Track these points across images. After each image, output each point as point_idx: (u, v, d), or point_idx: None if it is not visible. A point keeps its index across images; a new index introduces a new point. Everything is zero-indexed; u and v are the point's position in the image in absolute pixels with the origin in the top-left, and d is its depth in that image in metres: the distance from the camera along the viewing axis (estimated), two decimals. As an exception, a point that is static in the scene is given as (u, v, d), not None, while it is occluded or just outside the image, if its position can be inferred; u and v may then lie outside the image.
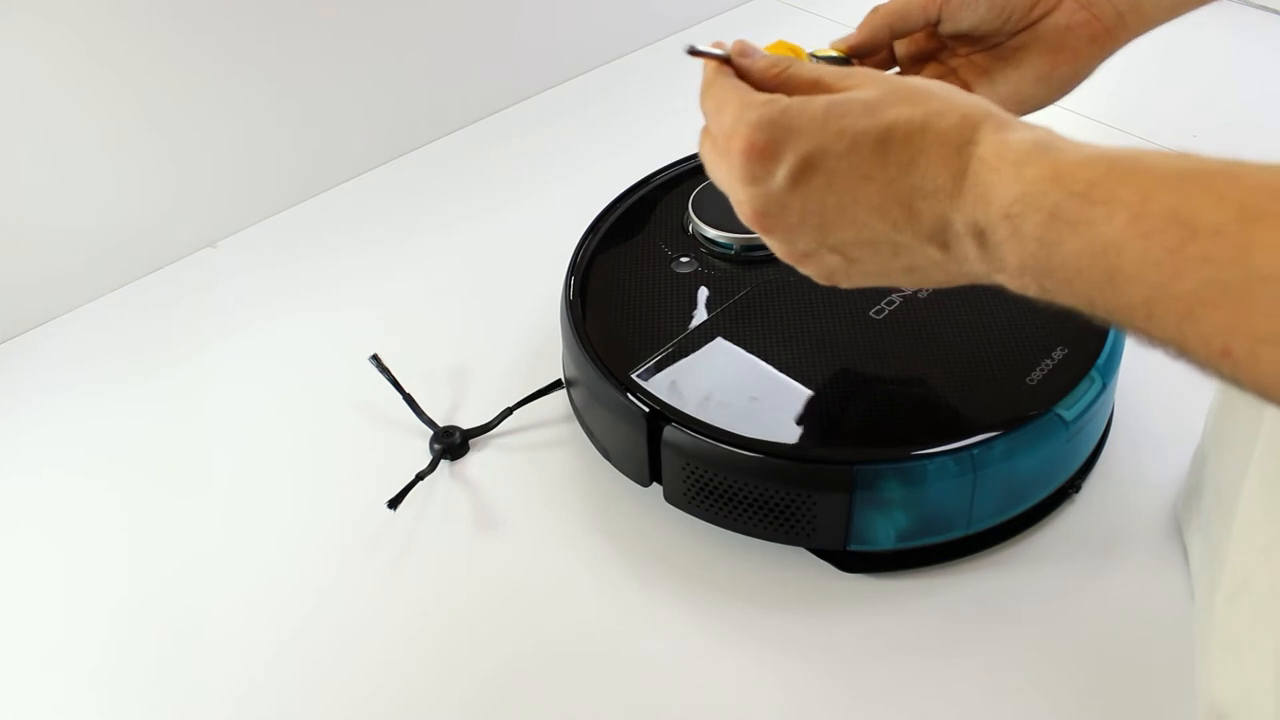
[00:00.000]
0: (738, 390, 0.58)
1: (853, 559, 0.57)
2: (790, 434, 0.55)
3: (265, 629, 0.57)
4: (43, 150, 0.74)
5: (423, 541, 0.61)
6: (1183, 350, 0.31)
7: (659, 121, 0.97)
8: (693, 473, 0.56)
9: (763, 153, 0.38)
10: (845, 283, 0.42)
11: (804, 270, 0.42)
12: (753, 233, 0.65)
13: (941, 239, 0.37)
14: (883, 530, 0.56)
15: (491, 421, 0.67)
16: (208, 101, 0.80)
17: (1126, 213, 0.31)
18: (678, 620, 0.56)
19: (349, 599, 0.58)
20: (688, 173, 0.75)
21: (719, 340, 0.61)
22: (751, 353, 0.60)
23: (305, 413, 0.70)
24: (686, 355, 0.60)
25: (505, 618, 0.57)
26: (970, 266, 0.37)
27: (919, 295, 0.62)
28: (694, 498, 0.57)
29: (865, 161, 0.37)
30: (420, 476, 0.63)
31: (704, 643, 0.55)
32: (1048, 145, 0.35)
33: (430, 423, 0.67)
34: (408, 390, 0.68)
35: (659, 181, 0.74)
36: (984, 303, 0.60)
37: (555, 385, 0.68)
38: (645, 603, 0.57)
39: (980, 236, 0.36)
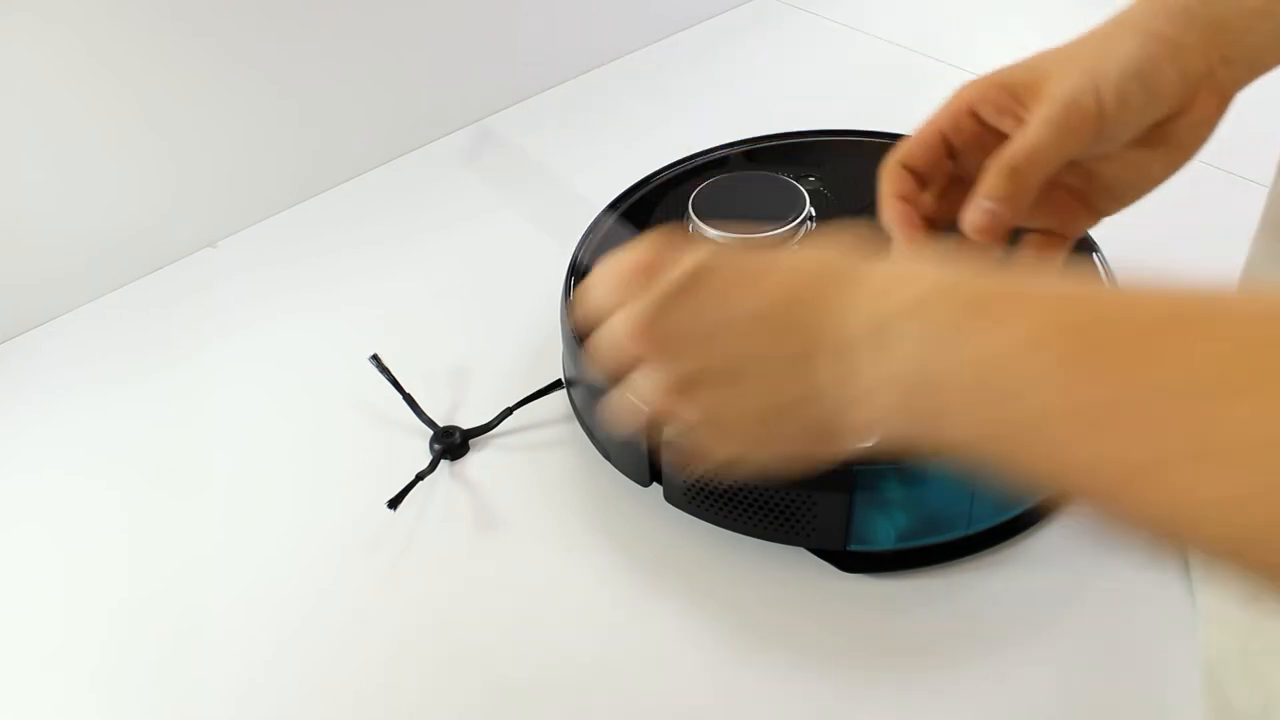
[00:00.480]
0: None
1: (853, 559, 0.57)
2: None
3: (265, 629, 0.57)
4: (43, 150, 0.74)
5: (423, 541, 0.61)
6: (1063, 478, 0.29)
7: (659, 121, 0.97)
8: (692, 473, 0.56)
9: (656, 266, 0.38)
10: (726, 438, 0.39)
11: (687, 413, 0.39)
12: (754, 232, 0.65)
13: (815, 354, 0.35)
14: (883, 530, 0.56)
15: (491, 421, 0.67)
16: (208, 101, 0.80)
17: (1018, 324, 0.30)
18: (677, 620, 0.56)
19: (349, 599, 0.58)
20: (688, 173, 0.75)
21: None
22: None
23: (305, 413, 0.70)
24: None
25: (505, 618, 0.57)
26: (847, 384, 0.34)
27: None
28: (694, 498, 0.57)
29: (751, 278, 0.37)
30: (420, 476, 0.63)
31: (704, 642, 0.55)
32: (938, 268, 0.33)
33: (430, 423, 0.67)
34: (408, 390, 0.68)
35: (659, 181, 0.74)
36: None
37: (555, 385, 0.68)
38: (645, 603, 0.57)
39: (849, 349, 0.34)
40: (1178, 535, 0.27)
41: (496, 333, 0.75)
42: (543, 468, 0.65)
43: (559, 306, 0.66)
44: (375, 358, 0.69)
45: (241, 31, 0.80)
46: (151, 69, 0.77)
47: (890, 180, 0.50)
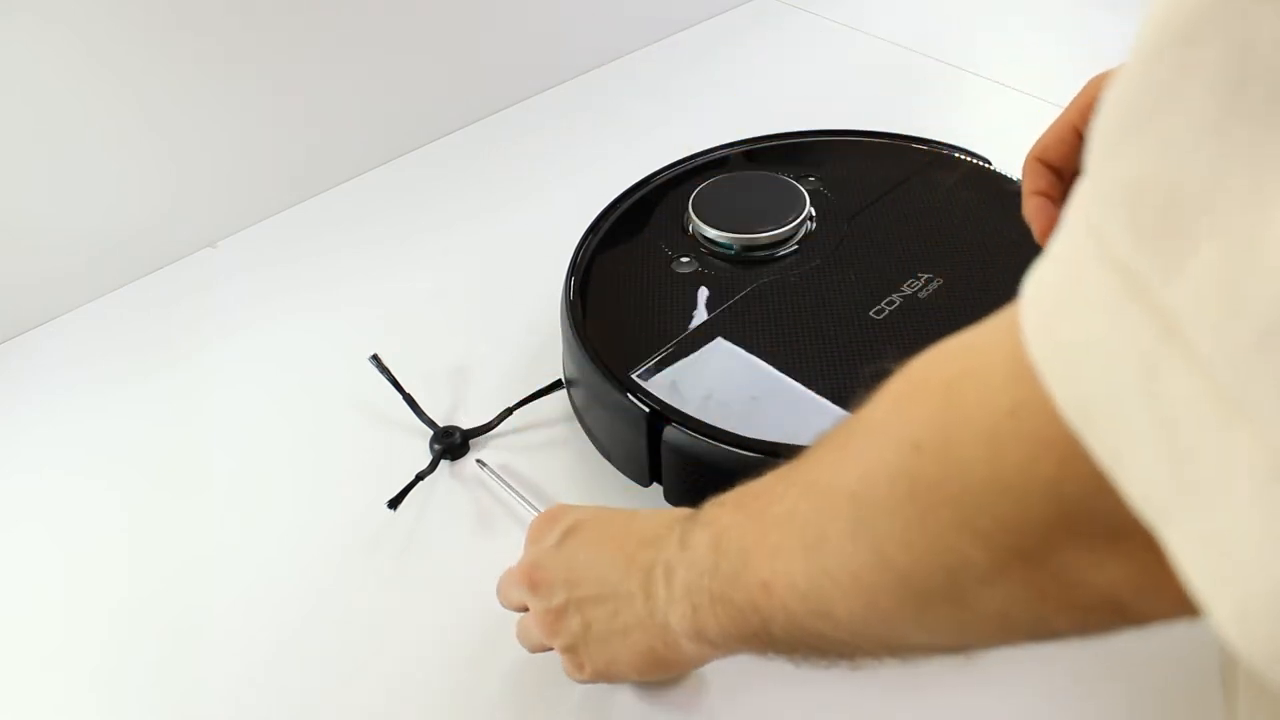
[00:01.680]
0: (738, 390, 0.58)
1: None
2: (790, 434, 0.55)
3: (265, 629, 0.57)
4: (43, 150, 0.74)
5: (423, 541, 0.61)
6: (754, 614, 0.38)
7: (659, 121, 0.97)
8: (692, 473, 0.56)
9: (548, 520, 0.50)
10: (585, 663, 0.48)
11: (555, 641, 0.49)
12: (754, 232, 0.65)
13: (646, 584, 0.44)
14: None
15: (491, 421, 0.67)
16: (208, 101, 0.80)
17: (727, 507, 0.41)
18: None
19: (349, 599, 0.58)
20: (688, 173, 0.75)
21: (719, 340, 0.61)
22: (752, 353, 0.60)
23: (305, 413, 0.70)
24: (686, 355, 0.60)
25: (505, 618, 0.57)
26: (661, 609, 0.44)
27: (919, 295, 0.62)
28: (694, 498, 0.57)
29: (612, 526, 0.48)
30: (420, 476, 0.63)
31: (704, 643, 0.55)
32: (732, 502, 0.42)
33: (430, 423, 0.67)
34: (408, 390, 0.68)
35: (659, 181, 0.74)
36: (982, 304, 0.60)
37: (555, 385, 0.68)
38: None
39: (669, 572, 0.43)
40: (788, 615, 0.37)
41: (496, 333, 0.75)
42: (543, 468, 0.65)
43: (559, 306, 0.66)
44: (375, 358, 0.69)
45: (241, 31, 0.80)
46: (151, 69, 0.77)
47: (1029, 177, 0.53)
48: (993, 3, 1.15)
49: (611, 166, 0.78)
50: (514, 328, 0.75)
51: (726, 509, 0.41)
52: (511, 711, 0.53)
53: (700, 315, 0.63)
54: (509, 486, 0.62)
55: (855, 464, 0.32)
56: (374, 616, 0.58)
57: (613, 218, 0.71)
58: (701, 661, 0.48)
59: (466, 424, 0.67)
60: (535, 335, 0.74)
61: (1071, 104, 0.52)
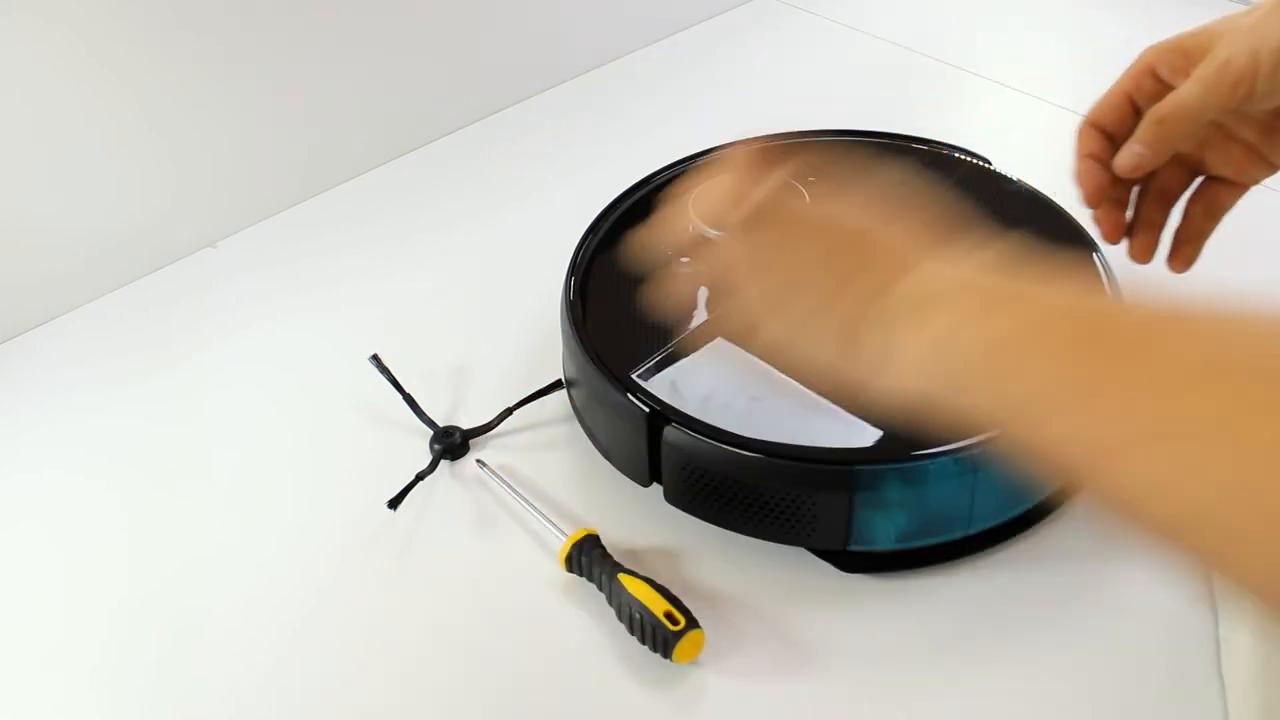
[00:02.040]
0: (738, 390, 0.58)
1: (853, 559, 0.57)
2: (790, 434, 0.55)
3: (265, 629, 0.57)
4: (43, 150, 0.74)
5: (423, 541, 0.61)
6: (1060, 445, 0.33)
7: (659, 121, 0.97)
8: (693, 473, 0.56)
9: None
10: (776, 310, 0.44)
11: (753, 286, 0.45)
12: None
13: (877, 310, 0.40)
14: (883, 530, 0.56)
15: (491, 421, 0.67)
16: (208, 101, 0.80)
17: (1025, 316, 0.36)
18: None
19: (349, 599, 0.58)
20: (688, 173, 0.75)
21: (719, 340, 0.61)
22: (752, 353, 0.60)
23: (305, 413, 0.70)
24: (686, 355, 0.60)
25: (505, 618, 0.57)
26: (886, 339, 0.40)
27: None
28: (694, 498, 0.57)
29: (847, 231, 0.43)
30: (420, 476, 0.63)
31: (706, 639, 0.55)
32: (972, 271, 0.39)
33: (430, 423, 0.67)
34: (408, 390, 0.68)
35: (659, 181, 0.74)
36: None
37: (555, 385, 0.68)
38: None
39: (892, 315, 0.40)
40: (1134, 513, 0.31)
41: (496, 333, 0.75)
42: (543, 468, 0.65)
43: (559, 306, 0.66)
44: (375, 358, 0.69)
45: (242, 31, 0.80)
46: (151, 69, 0.77)
47: (1082, 140, 0.55)
48: (993, 3, 1.15)
49: (611, 166, 0.77)
50: (514, 328, 0.75)
51: (998, 312, 0.36)
52: (512, 711, 0.53)
53: (700, 315, 0.63)
54: (509, 486, 0.62)
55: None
56: (374, 616, 0.58)
57: (613, 218, 0.71)
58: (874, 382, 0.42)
59: (466, 424, 0.67)
60: (535, 335, 0.74)
61: (1125, 73, 0.53)
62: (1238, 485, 0.27)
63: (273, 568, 0.60)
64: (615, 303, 0.65)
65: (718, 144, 0.77)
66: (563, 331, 0.65)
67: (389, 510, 0.62)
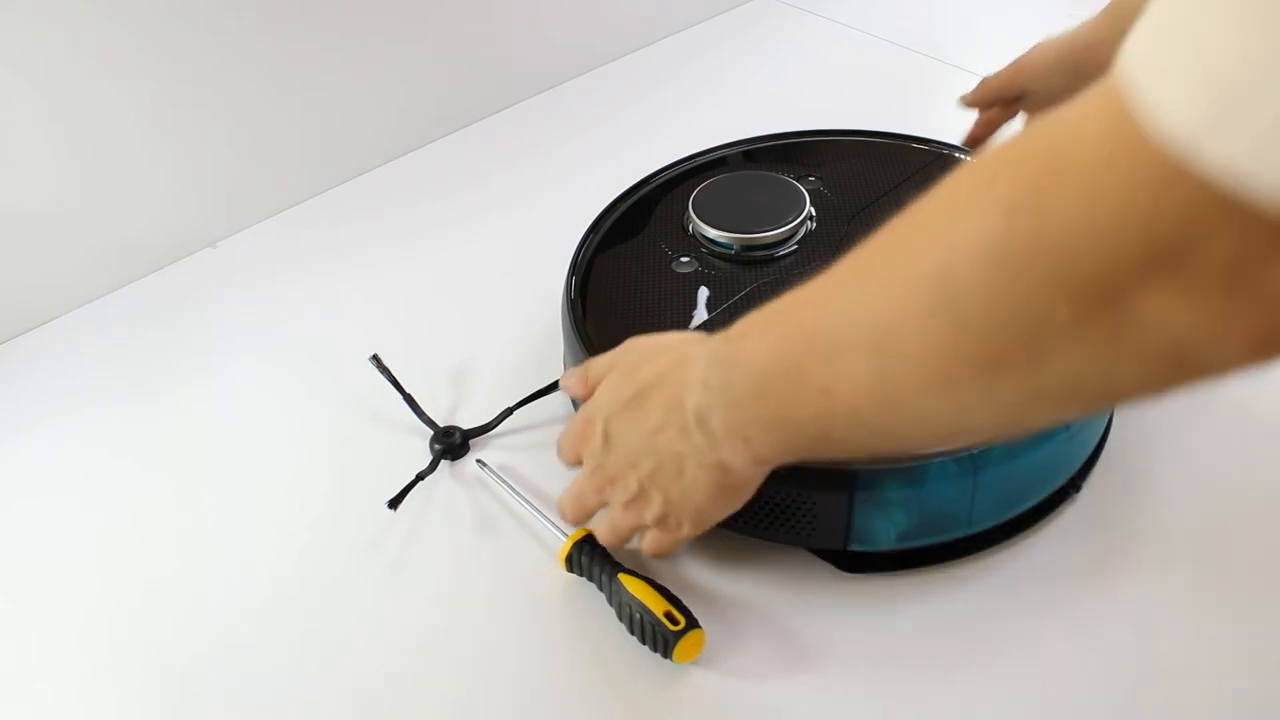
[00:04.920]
0: None
1: (853, 559, 0.57)
2: None
3: (265, 629, 0.57)
4: (43, 150, 0.74)
5: (423, 541, 0.61)
6: (814, 424, 0.42)
7: (659, 121, 0.97)
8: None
9: (583, 426, 0.53)
10: (680, 521, 0.51)
11: (647, 518, 0.52)
12: (754, 232, 0.65)
13: (686, 437, 0.47)
14: (883, 530, 0.56)
15: (491, 421, 0.67)
16: (208, 101, 0.80)
17: (751, 333, 0.44)
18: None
19: (348, 599, 0.58)
20: (688, 173, 0.75)
21: None
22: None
23: (305, 413, 0.70)
24: None
25: (505, 618, 0.57)
26: (710, 451, 0.47)
27: None
28: None
29: (636, 402, 0.50)
30: (420, 476, 0.63)
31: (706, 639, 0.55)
32: (728, 334, 0.46)
33: (430, 423, 0.67)
34: (408, 390, 0.68)
35: (659, 181, 0.74)
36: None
37: (555, 385, 0.68)
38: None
39: (702, 420, 0.46)
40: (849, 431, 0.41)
41: (496, 333, 0.75)
42: (543, 468, 0.65)
43: (559, 306, 0.66)
44: (375, 358, 0.69)
45: (242, 31, 0.80)
46: (151, 69, 0.77)
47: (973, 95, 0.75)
48: (993, 3, 1.15)
49: (611, 166, 0.77)
50: (514, 328, 0.75)
51: (753, 337, 0.44)
52: (512, 711, 0.53)
53: (700, 315, 0.63)
54: (509, 486, 0.62)
55: (935, 244, 0.34)
56: (374, 616, 0.58)
57: (613, 217, 0.71)
58: (763, 476, 0.50)
59: (466, 424, 0.67)
60: (535, 335, 0.74)
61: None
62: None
63: (272, 567, 0.60)
64: (616, 302, 0.65)
65: (718, 144, 0.78)
66: (564, 330, 0.65)
67: (389, 510, 0.62)
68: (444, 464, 0.65)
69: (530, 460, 0.65)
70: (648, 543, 0.54)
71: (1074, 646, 0.53)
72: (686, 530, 0.51)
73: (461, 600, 0.58)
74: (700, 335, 0.52)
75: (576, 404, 0.65)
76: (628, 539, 0.55)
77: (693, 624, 0.53)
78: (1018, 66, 0.71)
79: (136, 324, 0.79)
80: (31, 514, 0.65)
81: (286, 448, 0.68)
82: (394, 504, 0.62)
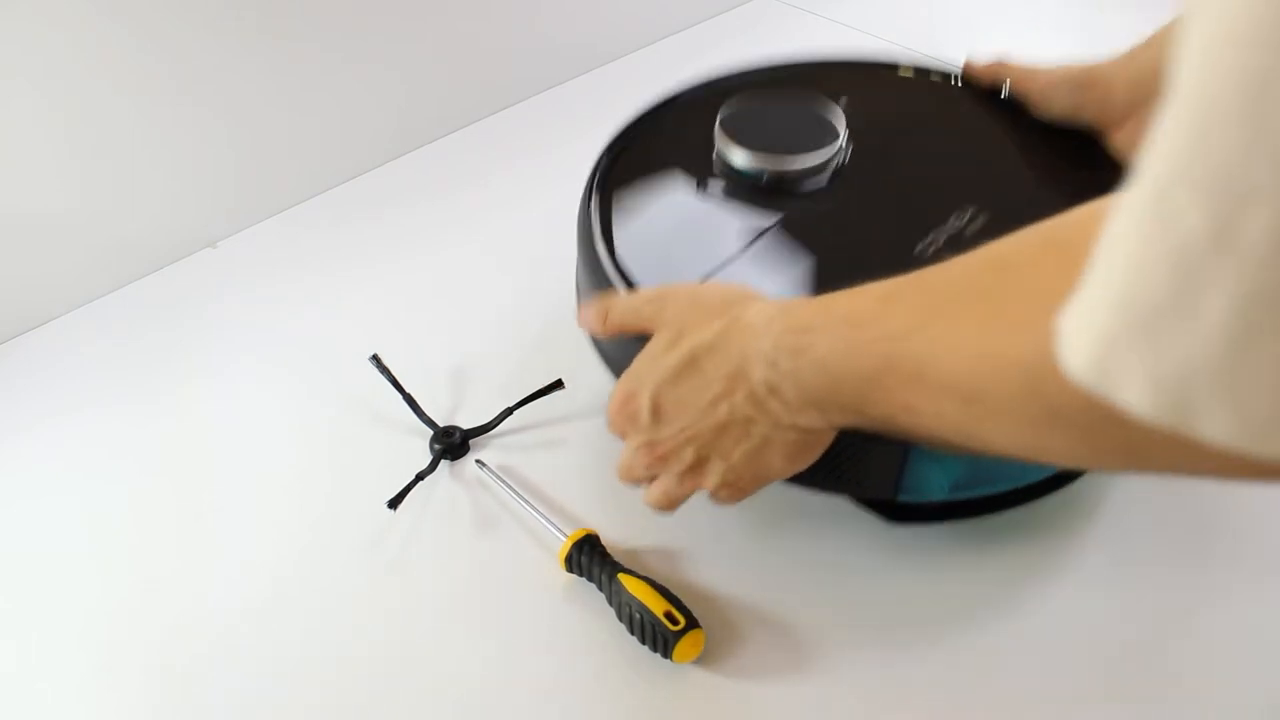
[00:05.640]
0: None
1: (901, 510, 0.55)
2: None
3: (265, 629, 0.57)
4: (43, 150, 0.74)
5: (423, 541, 0.61)
6: (890, 422, 0.42)
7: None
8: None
9: (624, 400, 0.51)
10: (743, 483, 0.50)
11: (708, 485, 0.51)
12: (789, 155, 0.63)
13: (760, 407, 0.47)
14: (935, 481, 0.53)
15: (491, 421, 0.67)
16: (208, 101, 0.80)
17: (823, 331, 0.43)
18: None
19: (349, 598, 0.58)
20: (711, 94, 0.69)
21: (757, 272, 0.57)
22: (789, 287, 0.55)
23: (305, 413, 0.70)
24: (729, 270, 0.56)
25: (505, 618, 0.57)
26: (787, 417, 0.46)
27: (965, 233, 0.58)
28: None
29: (694, 374, 0.48)
30: (420, 476, 0.63)
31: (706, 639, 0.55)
32: (783, 306, 0.46)
33: (430, 423, 0.67)
34: (408, 390, 0.68)
35: (682, 102, 0.69)
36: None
37: (555, 385, 0.68)
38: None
39: (774, 390, 0.46)
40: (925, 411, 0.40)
41: (496, 333, 0.75)
42: (543, 468, 0.65)
43: (559, 306, 0.66)
44: (375, 358, 0.69)
45: (242, 31, 0.80)
46: (151, 69, 0.77)
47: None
48: (993, 3, 1.15)
49: (611, 166, 0.77)
50: (514, 328, 0.75)
51: (822, 335, 0.44)
52: (512, 711, 0.53)
53: (730, 247, 0.59)
54: (509, 486, 0.62)
55: (1025, 332, 0.34)
56: (373, 616, 0.58)
57: (635, 137, 0.67)
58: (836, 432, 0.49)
59: (466, 424, 0.67)
60: (535, 335, 0.74)
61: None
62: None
63: (272, 567, 0.60)
64: (634, 229, 0.61)
65: (746, 65, 0.74)
66: (579, 255, 0.61)
67: (389, 510, 0.62)
68: (444, 464, 0.65)
69: (530, 460, 0.65)
70: (712, 499, 0.52)
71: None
72: (750, 489, 0.51)
73: (461, 600, 0.58)
74: (746, 293, 0.50)
75: (597, 343, 0.62)
76: (681, 504, 0.53)
77: (693, 624, 0.53)
78: (1031, 74, 0.68)
79: (136, 324, 0.79)
80: (31, 514, 0.65)
81: (286, 448, 0.68)
82: (394, 504, 0.62)
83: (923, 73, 0.72)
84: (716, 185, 0.63)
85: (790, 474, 0.50)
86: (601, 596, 0.56)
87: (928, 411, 0.39)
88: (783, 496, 0.57)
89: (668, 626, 0.52)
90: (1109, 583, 0.56)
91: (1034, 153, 0.66)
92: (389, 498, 0.62)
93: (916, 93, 0.71)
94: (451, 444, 0.66)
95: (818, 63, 0.73)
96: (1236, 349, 0.25)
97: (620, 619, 0.54)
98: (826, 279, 0.55)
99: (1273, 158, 0.23)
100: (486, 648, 0.56)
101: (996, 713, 0.51)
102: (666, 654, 0.53)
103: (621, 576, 0.55)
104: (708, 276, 0.57)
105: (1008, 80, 0.69)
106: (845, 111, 0.66)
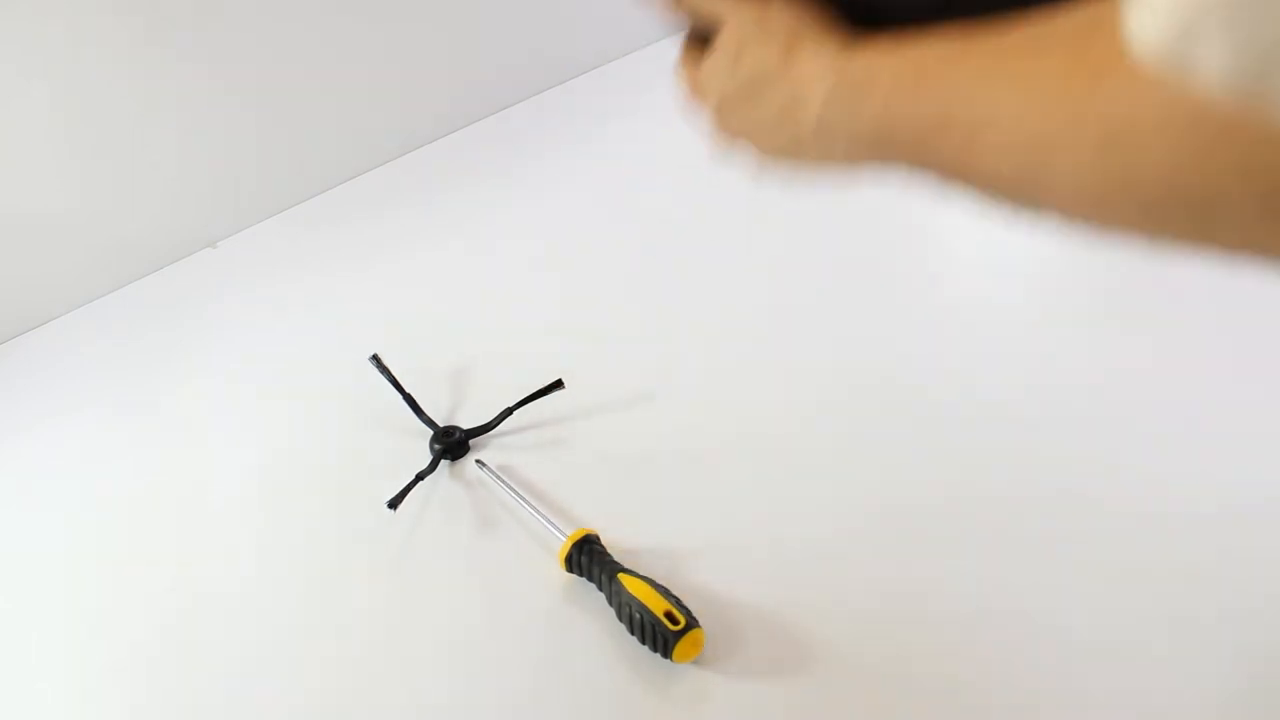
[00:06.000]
0: None
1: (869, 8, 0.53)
2: None
3: (265, 628, 0.57)
4: (44, 151, 0.74)
5: (423, 541, 0.61)
6: (945, 173, 0.39)
7: (660, 122, 0.97)
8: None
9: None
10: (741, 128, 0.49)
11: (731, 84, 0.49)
12: None
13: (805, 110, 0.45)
14: None
15: (491, 421, 0.67)
16: (208, 102, 0.80)
17: (878, 87, 0.41)
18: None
19: (349, 598, 0.59)
20: None
21: None
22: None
23: (305, 412, 0.70)
24: None
25: (505, 618, 0.57)
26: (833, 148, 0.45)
27: None
28: None
29: (752, 100, 0.47)
30: (420, 476, 0.63)
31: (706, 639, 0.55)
32: (847, 42, 0.43)
33: (430, 423, 0.67)
34: (408, 390, 0.68)
35: None
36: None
37: (555, 385, 0.68)
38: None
39: (820, 114, 0.44)
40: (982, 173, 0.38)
41: (496, 333, 0.75)
42: (543, 468, 0.65)
43: (559, 306, 0.66)
44: (375, 358, 0.69)
45: (243, 32, 0.80)
46: (153, 70, 0.77)
47: None
48: (993, 3, 1.14)
49: (612, 167, 0.78)
50: (514, 328, 0.75)
51: (879, 88, 0.42)
52: (512, 710, 0.53)
53: None
54: (509, 486, 0.62)
55: (1119, 96, 0.32)
56: (374, 615, 0.58)
57: None
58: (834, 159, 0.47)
59: (466, 424, 0.67)
60: (535, 335, 0.74)
61: None
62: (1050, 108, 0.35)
63: (273, 566, 0.60)
64: None
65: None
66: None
67: (389, 510, 0.62)
68: (444, 464, 0.65)
69: (530, 460, 0.65)
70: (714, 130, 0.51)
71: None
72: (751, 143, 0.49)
73: (461, 600, 0.58)
74: (799, 23, 0.47)
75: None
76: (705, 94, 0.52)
77: (693, 624, 0.53)
78: None
79: (136, 324, 0.79)
80: (31, 514, 0.65)
81: (286, 447, 0.68)
82: (394, 504, 0.62)
83: None
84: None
85: (770, 152, 0.49)
86: (601, 596, 0.56)
87: (986, 169, 0.38)
88: (783, 496, 0.57)
89: (668, 626, 0.52)
90: (1109, 582, 0.56)
91: None
92: (389, 498, 0.62)
93: None
94: (451, 444, 0.66)
95: None
96: None
97: (620, 619, 0.54)
98: None
99: None
100: (486, 647, 0.56)
101: (997, 713, 0.51)
102: (666, 654, 0.53)
103: (621, 576, 0.55)
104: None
105: None
106: None
